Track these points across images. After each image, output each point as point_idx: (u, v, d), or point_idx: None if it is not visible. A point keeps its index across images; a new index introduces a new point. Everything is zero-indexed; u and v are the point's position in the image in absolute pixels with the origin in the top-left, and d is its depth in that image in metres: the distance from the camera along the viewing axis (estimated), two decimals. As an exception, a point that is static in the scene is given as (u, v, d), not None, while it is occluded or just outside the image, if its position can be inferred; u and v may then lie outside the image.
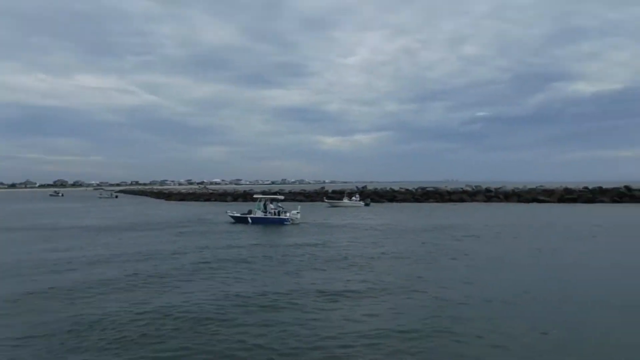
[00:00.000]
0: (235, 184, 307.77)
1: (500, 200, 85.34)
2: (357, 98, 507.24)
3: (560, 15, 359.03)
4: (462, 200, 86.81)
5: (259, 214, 45.38)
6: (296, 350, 11.33)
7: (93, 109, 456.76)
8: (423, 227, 39.57)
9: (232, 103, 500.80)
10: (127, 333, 12.49)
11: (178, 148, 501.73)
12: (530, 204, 78.49)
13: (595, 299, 15.69)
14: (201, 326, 13.02)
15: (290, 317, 13.80)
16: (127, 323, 13.31)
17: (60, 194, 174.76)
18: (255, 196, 54.68)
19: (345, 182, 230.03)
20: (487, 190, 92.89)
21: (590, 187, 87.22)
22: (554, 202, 79.97)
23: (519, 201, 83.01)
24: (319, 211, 63.60)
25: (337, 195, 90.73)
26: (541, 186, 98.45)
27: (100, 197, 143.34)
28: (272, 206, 45.96)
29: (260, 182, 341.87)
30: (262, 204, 46.67)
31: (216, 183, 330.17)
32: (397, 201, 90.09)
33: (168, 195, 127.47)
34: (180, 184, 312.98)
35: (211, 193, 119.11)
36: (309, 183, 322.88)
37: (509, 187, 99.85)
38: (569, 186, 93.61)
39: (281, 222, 43.47)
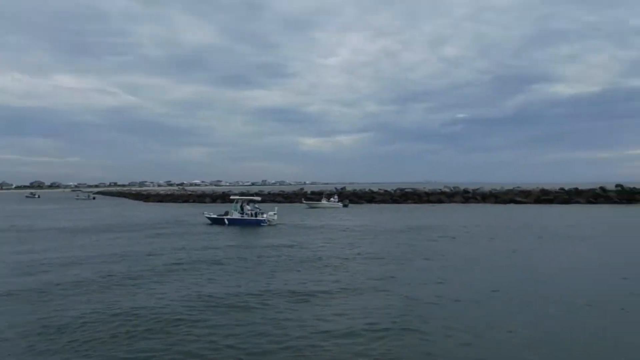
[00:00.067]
0: (215, 185, 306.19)
1: (478, 201, 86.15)
2: (338, 99, 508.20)
3: (539, 18, 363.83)
4: (440, 201, 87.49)
5: (236, 215, 45.32)
6: (266, 350, 11.41)
7: (71, 110, 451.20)
8: (400, 228, 39.86)
9: (213, 104, 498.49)
10: (97, 334, 12.47)
11: (158, 149, 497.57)
12: (508, 205, 79.35)
13: (563, 298, 16.01)
14: (172, 327, 13.03)
15: (262, 318, 13.89)
16: (98, 324, 13.29)
17: (36, 196, 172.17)
18: (232, 197, 54.61)
19: (326, 184, 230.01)
20: (465, 191, 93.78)
21: (566, 189, 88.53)
22: (530, 203, 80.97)
23: (496, 202, 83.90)
24: (297, 212, 63.65)
25: (316, 196, 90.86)
26: (518, 187, 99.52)
27: (77, 199, 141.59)
28: (248, 207, 45.92)
29: (241, 183, 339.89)
30: (238, 205, 46.65)
31: (196, 184, 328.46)
32: (375, 202, 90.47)
33: (146, 197, 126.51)
34: (159, 186, 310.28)
35: (190, 194, 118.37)
36: (290, 184, 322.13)
37: (487, 188, 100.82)
38: (546, 187, 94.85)
39: (258, 224, 43.44)
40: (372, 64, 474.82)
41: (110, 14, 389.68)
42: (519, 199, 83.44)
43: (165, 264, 23.13)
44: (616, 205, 72.53)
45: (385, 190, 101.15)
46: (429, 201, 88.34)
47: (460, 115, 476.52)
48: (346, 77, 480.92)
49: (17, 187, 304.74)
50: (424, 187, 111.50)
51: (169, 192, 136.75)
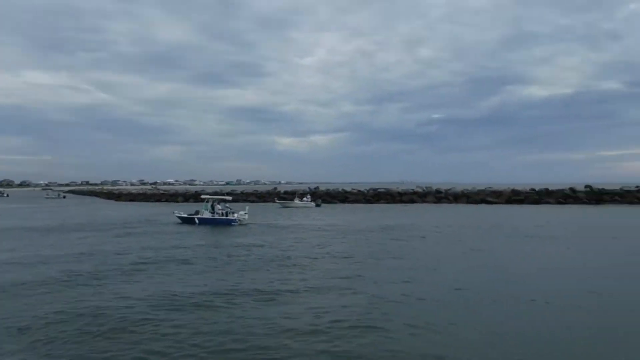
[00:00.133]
0: (189, 185, 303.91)
1: (450, 202, 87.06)
2: (313, 99, 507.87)
3: (513, 21, 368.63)
4: (412, 202, 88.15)
5: (207, 214, 45.16)
6: (231, 348, 11.46)
7: (43, 107, 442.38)
8: (371, 228, 40.12)
9: (187, 102, 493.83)
10: (61, 334, 12.36)
11: (131, 148, 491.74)
12: (479, 205, 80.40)
13: (524, 297, 16.32)
14: (137, 326, 12.98)
15: (228, 316, 13.92)
16: (62, 324, 13.18)
17: (5, 194, 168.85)
18: (202, 197, 54.34)
19: (301, 183, 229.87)
20: (437, 191, 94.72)
21: (537, 189, 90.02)
22: (501, 203, 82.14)
23: (468, 202, 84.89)
24: (270, 212, 63.60)
25: (289, 196, 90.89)
26: (490, 188, 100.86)
27: (47, 198, 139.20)
28: (219, 207, 45.76)
29: (215, 182, 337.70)
30: (209, 204, 46.44)
31: (169, 183, 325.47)
32: (348, 202, 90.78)
33: (118, 196, 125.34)
34: (132, 184, 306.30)
35: (162, 193, 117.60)
36: (264, 184, 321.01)
37: (460, 188, 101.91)
38: (519, 188, 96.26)
39: (228, 223, 43.34)
40: (348, 64, 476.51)
41: (84, 10, 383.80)
42: (490, 199, 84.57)
43: (133, 263, 22.98)
44: (585, 206, 74.12)
45: (359, 190, 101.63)
46: (401, 201, 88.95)
47: (436, 116, 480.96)
48: (322, 77, 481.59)
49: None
50: (397, 187, 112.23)
51: (140, 191, 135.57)
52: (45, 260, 24.10)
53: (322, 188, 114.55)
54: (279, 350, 11.29)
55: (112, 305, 15.10)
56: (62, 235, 36.41)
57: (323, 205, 79.52)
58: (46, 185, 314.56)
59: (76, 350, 11.34)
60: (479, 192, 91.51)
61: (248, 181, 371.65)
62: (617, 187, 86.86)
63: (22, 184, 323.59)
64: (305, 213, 62.42)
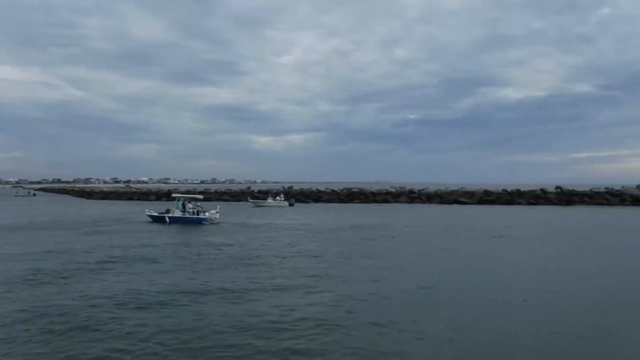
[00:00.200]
0: (164, 183, 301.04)
1: (423, 202, 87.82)
2: (290, 98, 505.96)
3: (487, 23, 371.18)
4: (386, 201, 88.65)
5: (177, 213, 44.91)
6: (194, 346, 11.45)
7: (14, 103, 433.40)
8: (343, 227, 40.32)
9: (163, 100, 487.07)
10: (22, 334, 12.22)
11: (105, 145, 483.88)
12: (452, 205, 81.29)
13: (488, 296, 16.69)
14: (101, 324, 12.88)
15: (193, 315, 13.89)
16: (23, 322, 13.03)
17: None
18: (173, 195, 54.02)
19: (277, 182, 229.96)
20: (411, 191, 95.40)
21: (508, 190, 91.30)
22: (474, 203, 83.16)
23: (441, 202, 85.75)
24: (243, 211, 63.43)
25: (262, 195, 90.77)
26: (462, 188, 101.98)
27: (17, 195, 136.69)
28: (190, 206, 45.56)
29: (190, 181, 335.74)
30: (180, 203, 46.20)
31: (143, 182, 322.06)
32: (322, 201, 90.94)
33: (89, 194, 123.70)
34: (105, 183, 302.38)
35: (134, 192, 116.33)
36: (240, 183, 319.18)
37: (433, 188, 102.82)
38: (490, 188, 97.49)
39: (199, 222, 43.15)
40: (324, 64, 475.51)
41: (57, 5, 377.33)
42: (462, 199, 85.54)
43: (100, 262, 22.74)
44: (555, 207, 75.51)
45: (332, 190, 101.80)
46: (375, 201, 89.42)
47: (411, 116, 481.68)
48: (299, 76, 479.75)
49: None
50: (371, 187, 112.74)
51: (113, 190, 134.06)
52: (10, 259, 23.72)
53: (298, 187, 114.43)
54: (243, 347, 11.34)
55: (77, 304, 14.95)
56: (29, 234, 35.84)
57: (296, 204, 79.56)
58: (16, 182, 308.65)
59: (39, 349, 11.23)
60: (452, 192, 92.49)
61: (223, 180, 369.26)
62: (587, 189, 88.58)
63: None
64: (278, 212, 62.39)
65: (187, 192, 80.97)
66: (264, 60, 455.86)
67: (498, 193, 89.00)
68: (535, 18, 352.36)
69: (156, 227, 41.13)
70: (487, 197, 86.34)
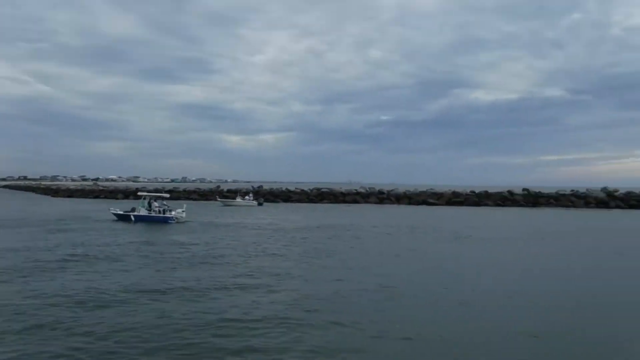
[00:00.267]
0: (132, 181, 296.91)
1: (393, 202, 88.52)
2: (262, 97, 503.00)
3: (460, 26, 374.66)
4: (355, 202, 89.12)
5: (143, 212, 44.47)
6: (152, 346, 11.38)
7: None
8: (310, 227, 40.46)
9: (132, 97, 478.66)
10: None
11: (72, 142, 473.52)
12: (420, 205, 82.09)
13: (454, 297, 16.95)
14: (59, 323, 12.75)
15: (153, 313, 13.82)
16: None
17: None
18: (139, 194, 53.41)
19: (248, 182, 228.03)
20: (380, 192, 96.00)
21: (476, 192, 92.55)
22: (442, 204, 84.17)
23: (410, 203, 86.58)
24: (211, 210, 63.12)
25: (231, 194, 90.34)
26: (431, 189, 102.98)
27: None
28: (156, 204, 45.18)
29: (160, 179, 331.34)
30: (146, 201, 45.79)
31: (112, 180, 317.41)
32: (292, 201, 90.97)
33: (55, 192, 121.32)
34: (73, 180, 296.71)
35: (101, 190, 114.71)
36: (211, 182, 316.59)
37: (402, 189, 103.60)
38: (459, 190, 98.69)
39: (165, 221, 42.83)
40: (298, 63, 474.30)
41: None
42: (431, 200, 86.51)
43: (61, 260, 22.42)
44: (522, 208, 76.96)
45: (302, 190, 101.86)
46: (344, 201, 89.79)
47: (385, 117, 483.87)
48: (272, 75, 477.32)
49: None
50: (341, 188, 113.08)
51: (79, 187, 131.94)
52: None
53: (269, 187, 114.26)
54: (202, 346, 11.35)
55: (36, 302, 14.75)
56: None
57: (266, 204, 79.51)
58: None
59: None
60: (421, 193, 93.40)
61: (194, 179, 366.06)
62: (554, 191, 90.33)
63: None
64: (246, 212, 62.25)
65: (155, 190, 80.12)
66: (236, 59, 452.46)
67: (466, 194, 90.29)
68: (507, 22, 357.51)
69: (121, 225, 40.61)
70: (456, 199, 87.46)
